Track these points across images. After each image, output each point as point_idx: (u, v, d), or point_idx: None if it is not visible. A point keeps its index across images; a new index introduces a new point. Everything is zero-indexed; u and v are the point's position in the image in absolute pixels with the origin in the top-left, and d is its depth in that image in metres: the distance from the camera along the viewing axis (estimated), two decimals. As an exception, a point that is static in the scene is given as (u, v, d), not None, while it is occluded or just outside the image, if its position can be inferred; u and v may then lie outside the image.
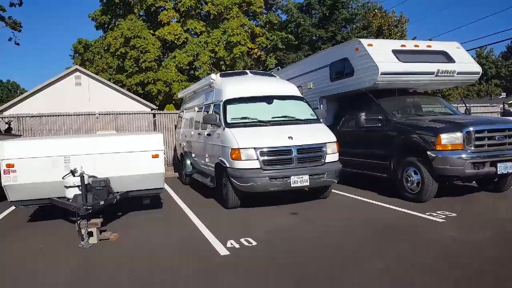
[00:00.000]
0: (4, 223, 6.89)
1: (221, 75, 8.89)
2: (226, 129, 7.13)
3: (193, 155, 9.58)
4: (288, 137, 6.84)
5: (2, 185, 5.89)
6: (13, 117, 12.50)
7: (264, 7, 30.94)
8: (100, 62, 29.58)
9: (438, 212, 6.28)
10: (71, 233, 5.63)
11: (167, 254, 4.88)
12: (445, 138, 6.71)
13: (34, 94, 21.53)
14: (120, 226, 6.24)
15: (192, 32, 28.36)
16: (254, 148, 6.64)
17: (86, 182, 5.81)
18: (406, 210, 6.53)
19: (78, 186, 5.77)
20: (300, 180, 6.67)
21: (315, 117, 7.82)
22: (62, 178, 5.86)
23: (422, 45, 8.87)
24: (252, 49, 28.45)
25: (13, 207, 7.25)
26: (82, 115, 13.37)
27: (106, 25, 30.13)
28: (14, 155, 5.89)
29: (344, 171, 7.57)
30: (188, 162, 9.86)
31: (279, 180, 6.61)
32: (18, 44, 27.99)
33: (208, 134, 8.01)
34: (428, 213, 6.21)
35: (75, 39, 31.84)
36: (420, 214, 6.22)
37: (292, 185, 6.65)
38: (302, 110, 7.86)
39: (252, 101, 7.71)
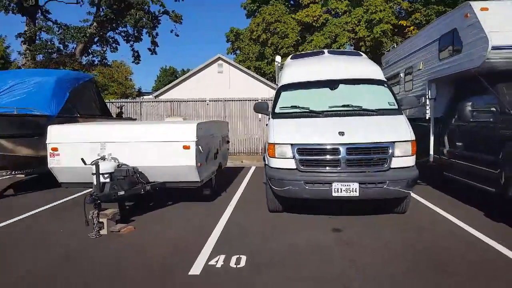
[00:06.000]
0: (59, 206, 7.11)
1: (292, 57, 7.75)
2: (271, 119, 6.11)
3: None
4: (339, 133, 5.40)
5: (49, 167, 6.29)
6: (131, 102, 13.83)
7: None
8: (246, 49, 30.81)
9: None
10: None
11: (148, 260, 4.35)
12: None
13: (183, 82, 23.82)
14: (148, 219, 6.04)
15: (333, 13, 26.85)
16: (291, 144, 5.46)
17: (111, 171, 5.72)
18: (510, 252, 4.35)
19: (103, 174, 5.71)
20: (345, 189, 5.18)
21: (395, 107, 6.04)
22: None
23: None
24: (407, 27, 25.24)
25: (78, 194, 7.74)
26: (193, 101, 13.92)
27: (256, 13, 31.11)
28: (58, 139, 6.20)
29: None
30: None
31: (316, 186, 5.27)
32: (177, 35, 31.50)
33: (267, 124, 7.09)
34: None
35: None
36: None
37: (333, 194, 5.22)
38: (378, 98, 6.17)
39: (311, 86, 6.41)
